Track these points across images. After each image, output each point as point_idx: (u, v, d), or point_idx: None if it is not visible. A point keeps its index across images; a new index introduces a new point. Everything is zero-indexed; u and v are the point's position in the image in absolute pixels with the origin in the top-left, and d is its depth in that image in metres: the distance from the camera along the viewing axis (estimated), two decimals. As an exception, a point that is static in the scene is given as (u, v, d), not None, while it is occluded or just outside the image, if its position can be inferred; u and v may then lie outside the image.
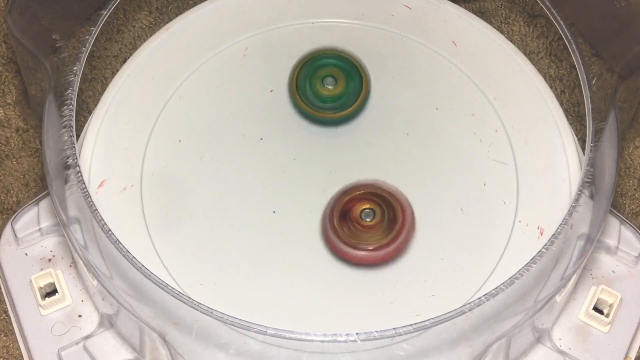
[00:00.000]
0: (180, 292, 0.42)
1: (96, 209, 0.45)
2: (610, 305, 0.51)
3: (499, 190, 0.52)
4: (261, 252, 0.50)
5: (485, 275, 0.49)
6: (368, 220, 0.49)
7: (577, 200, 0.46)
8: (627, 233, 0.53)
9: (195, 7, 0.58)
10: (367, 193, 0.50)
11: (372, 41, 0.57)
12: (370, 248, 0.48)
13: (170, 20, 0.58)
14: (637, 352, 0.52)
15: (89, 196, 0.46)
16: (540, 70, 0.56)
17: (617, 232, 0.53)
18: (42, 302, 0.51)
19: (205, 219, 0.51)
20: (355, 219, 0.49)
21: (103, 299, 0.49)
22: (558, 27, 0.52)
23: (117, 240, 0.44)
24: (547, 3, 0.52)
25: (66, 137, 0.47)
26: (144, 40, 0.58)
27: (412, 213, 0.49)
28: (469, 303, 0.42)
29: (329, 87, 0.53)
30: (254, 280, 0.49)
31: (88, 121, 0.54)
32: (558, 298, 0.48)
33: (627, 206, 0.58)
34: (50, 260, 0.53)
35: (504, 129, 0.54)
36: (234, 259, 0.50)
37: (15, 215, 0.53)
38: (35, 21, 0.51)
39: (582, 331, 0.51)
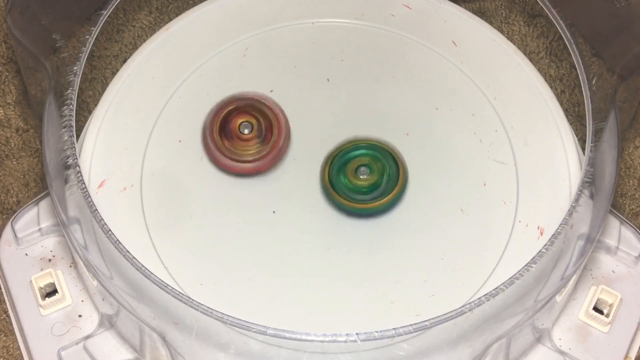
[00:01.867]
0: (180, 292, 0.42)
1: (96, 209, 0.45)
2: (610, 305, 0.51)
3: (499, 190, 0.52)
4: (261, 252, 0.50)
5: (485, 275, 0.49)
6: (247, 132, 0.51)
7: (577, 200, 0.46)
8: (627, 233, 0.53)
9: (195, 7, 0.58)
10: (245, 106, 0.52)
11: (372, 41, 0.57)
12: (249, 159, 0.51)
13: (170, 20, 0.58)
14: (637, 352, 0.52)
15: (89, 196, 0.46)
16: (540, 70, 0.56)
17: (617, 232, 0.53)
18: (42, 302, 0.51)
19: (205, 219, 0.51)
20: (235, 132, 0.51)
21: (103, 299, 0.49)
22: (558, 27, 0.52)
23: (117, 240, 0.44)
24: (547, 3, 0.52)
25: (66, 137, 0.47)
26: (144, 40, 0.58)
27: (287, 123, 0.52)
28: (469, 303, 0.42)
29: (363, 177, 0.51)
30: (254, 280, 0.49)
31: (88, 121, 0.54)
32: (558, 298, 0.48)
33: (627, 206, 0.58)
34: (50, 260, 0.52)
35: (504, 129, 0.53)
36: (234, 259, 0.50)
37: (15, 215, 0.53)
38: (35, 21, 0.51)
39: (582, 331, 0.51)
